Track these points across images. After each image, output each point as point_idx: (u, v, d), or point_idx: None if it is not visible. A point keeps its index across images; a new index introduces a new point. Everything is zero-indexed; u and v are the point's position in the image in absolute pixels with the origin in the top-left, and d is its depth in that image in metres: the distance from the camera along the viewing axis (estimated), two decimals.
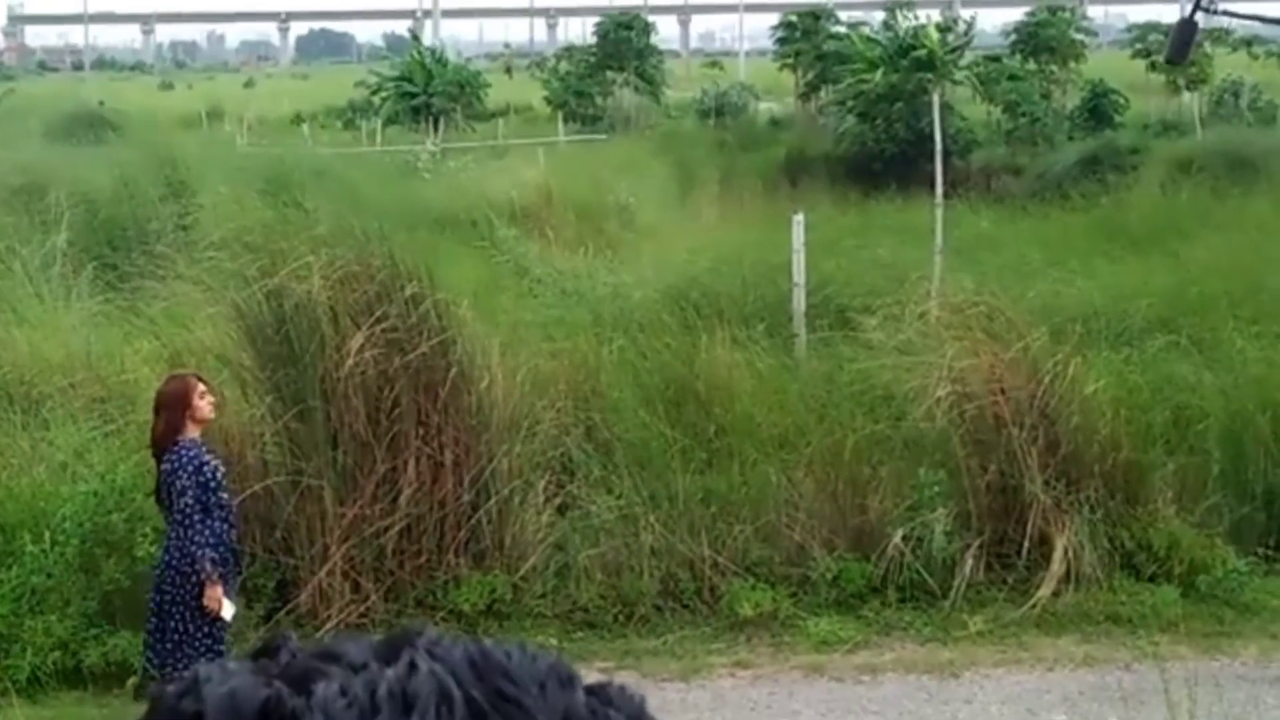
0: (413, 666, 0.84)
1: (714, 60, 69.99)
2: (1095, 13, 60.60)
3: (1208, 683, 9.20)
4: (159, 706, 0.85)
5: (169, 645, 8.42)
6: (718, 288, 14.56)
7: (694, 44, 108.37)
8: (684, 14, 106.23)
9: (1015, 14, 49.91)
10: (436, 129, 40.83)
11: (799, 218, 13.81)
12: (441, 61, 46.63)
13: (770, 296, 14.33)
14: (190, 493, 8.33)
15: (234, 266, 11.04)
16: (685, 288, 14.61)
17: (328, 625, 9.85)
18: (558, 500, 10.68)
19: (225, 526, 8.53)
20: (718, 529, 10.55)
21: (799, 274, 13.43)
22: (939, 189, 18.02)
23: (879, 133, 37.82)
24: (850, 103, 39.46)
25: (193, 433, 8.51)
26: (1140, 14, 67.04)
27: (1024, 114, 39.50)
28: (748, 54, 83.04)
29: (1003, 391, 10.71)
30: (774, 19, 54.63)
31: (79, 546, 9.71)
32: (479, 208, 22.72)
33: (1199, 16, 10.59)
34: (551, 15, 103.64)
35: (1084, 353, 11.21)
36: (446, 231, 19.83)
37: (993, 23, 68.02)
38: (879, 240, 18.34)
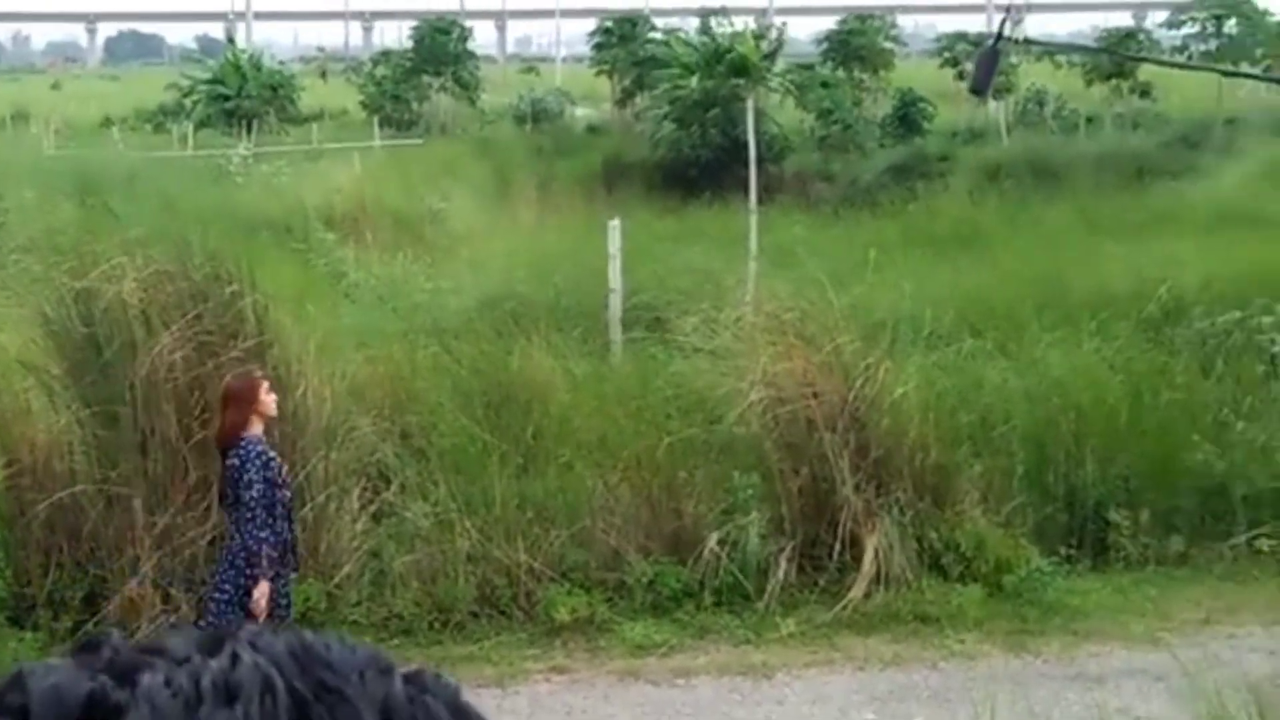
0: (235, 658, 0.84)
1: (531, 65, 70.01)
2: (905, 22, 61.78)
3: (1012, 680, 9.44)
4: None
5: None
6: (534, 293, 14.58)
7: (510, 49, 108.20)
8: (500, 19, 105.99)
9: (827, 22, 50.68)
10: (249, 133, 40.26)
11: (615, 223, 13.87)
12: (255, 64, 46.04)
13: (586, 302, 14.38)
14: (257, 487, 8.38)
15: (40, 270, 10.80)
16: (501, 293, 14.60)
17: (138, 637, 9.65)
18: (373, 507, 10.61)
19: (285, 524, 8.60)
20: (534, 534, 10.56)
21: (615, 279, 13.49)
22: (753, 195, 18.24)
23: (695, 139, 38.11)
24: (666, 108, 39.72)
25: (257, 429, 8.57)
26: (948, 24, 68.51)
27: (836, 121, 40.09)
28: (564, 59, 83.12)
29: (815, 395, 10.86)
30: (591, 25, 54.78)
31: None
32: (293, 212, 22.48)
33: (1002, 45, 10.86)
34: (367, 19, 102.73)
35: (894, 357, 11.39)
36: (260, 236, 19.54)
37: (805, 31, 68.94)
38: (695, 245, 18.48)
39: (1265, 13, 49.33)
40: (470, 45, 52.35)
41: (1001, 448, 11.49)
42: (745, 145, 19.05)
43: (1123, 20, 59.48)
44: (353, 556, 10.26)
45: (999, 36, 10.68)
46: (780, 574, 10.55)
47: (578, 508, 10.75)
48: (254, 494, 8.38)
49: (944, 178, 33.26)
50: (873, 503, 10.70)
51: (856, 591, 10.53)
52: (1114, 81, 45.53)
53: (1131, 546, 11.31)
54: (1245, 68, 45.22)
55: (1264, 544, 11.25)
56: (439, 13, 56.73)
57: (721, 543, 10.54)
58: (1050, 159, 34.17)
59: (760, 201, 18.81)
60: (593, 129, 49.19)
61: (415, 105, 49.40)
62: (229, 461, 8.50)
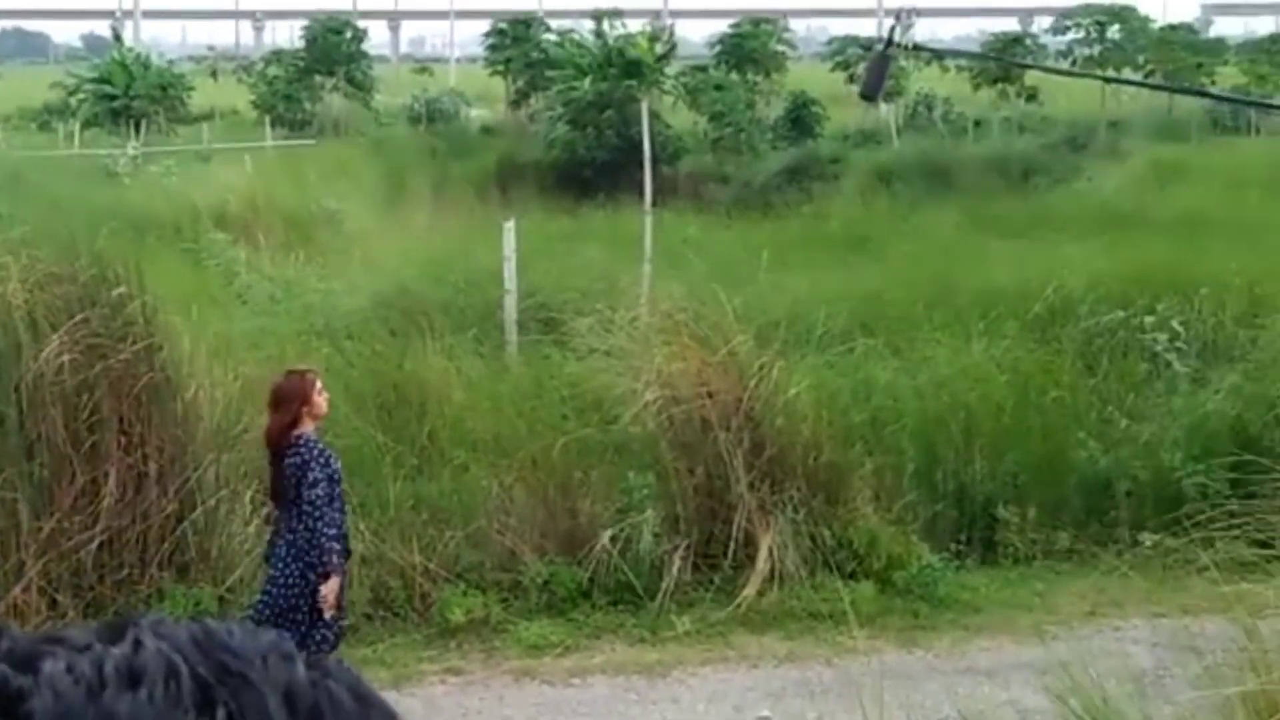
0: (138, 644, 0.85)
1: (425, 66, 69.56)
2: (797, 26, 62.20)
3: (904, 675, 9.56)
4: None
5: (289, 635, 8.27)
6: (429, 294, 14.53)
7: (404, 49, 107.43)
8: (394, 19, 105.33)
9: (720, 25, 50.93)
10: (138, 132, 39.74)
11: (510, 224, 13.87)
12: (143, 63, 45.48)
13: (481, 303, 14.36)
14: (322, 485, 8.49)
15: None
16: (395, 295, 14.54)
17: None
18: (266, 510, 10.53)
19: (343, 519, 8.75)
20: (429, 535, 10.54)
21: (510, 280, 13.49)
22: (648, 196, 18.28)
23: (589, 140, 38.14)
24: (560, 110, 39.71)
25: (309, 427, 8.65)
26: (840, 28, 69.15)
27: (729, 123, 40.29)
28: (458, 60, 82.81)
29: (710, 395, 10.93)
30: (485, 26, 54.63)
31: None
32: (184, 213, 22.25)
33: (892, 50, 10.97)
34: (258, 18, 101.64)
35: (787, 357, 11.49)
36: (149, 237, 19.32)
37: (699, 34, 69.19)
38: (590, 247, 18.52)
39: (1147, 19, 50.37)
40: (364, 45, 52.10)
41: (892, 446, 11.62)
42: (639, 147, 19.11)
43: (1009, 25, 60.24)
44: (245, 560, 10.19)
45: (889, 42, 10.77)
46: (675, 572, 10.60)
47: (473, 509, 10.76)
48: (319, 492, 8.51)
49: (836, 180, 33.54)
50: (767, 501, 10.79)
51: (751, 589, 10.61)
52: (1001, 86, 46.19)
53: (1019, 542, 11.49)
54: (1128, 72, 46.23)
55: (1147, 538, 11.43)
56: (331, 12, 56.30)
57: (615, 541, 10.58)
58: (939, 161, 34.57)
59: (654, 203, 18.85)
60: (487, 130, 49.05)
61: (308, 105, 48.94)
62: (288, 460, 8.58)
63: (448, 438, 11.25)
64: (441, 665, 9.91)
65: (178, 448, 10.15)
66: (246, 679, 0.85)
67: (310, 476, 8.49)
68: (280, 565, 8.69)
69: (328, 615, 8.60)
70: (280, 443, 8.65)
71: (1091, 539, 11.62)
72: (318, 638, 8.55)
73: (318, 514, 8.50)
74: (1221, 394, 12.45)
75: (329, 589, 8.52)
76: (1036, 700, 8.44)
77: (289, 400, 8.69)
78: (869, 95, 13.01)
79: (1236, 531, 9.39)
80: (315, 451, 8.57)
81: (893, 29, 11.69)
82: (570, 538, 10.69)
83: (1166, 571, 11.04)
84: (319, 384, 8.85)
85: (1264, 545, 9.13)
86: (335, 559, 8.53)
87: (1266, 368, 12.77)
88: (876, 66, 11.47)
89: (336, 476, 8.65)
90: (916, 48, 12.73)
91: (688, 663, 9.68)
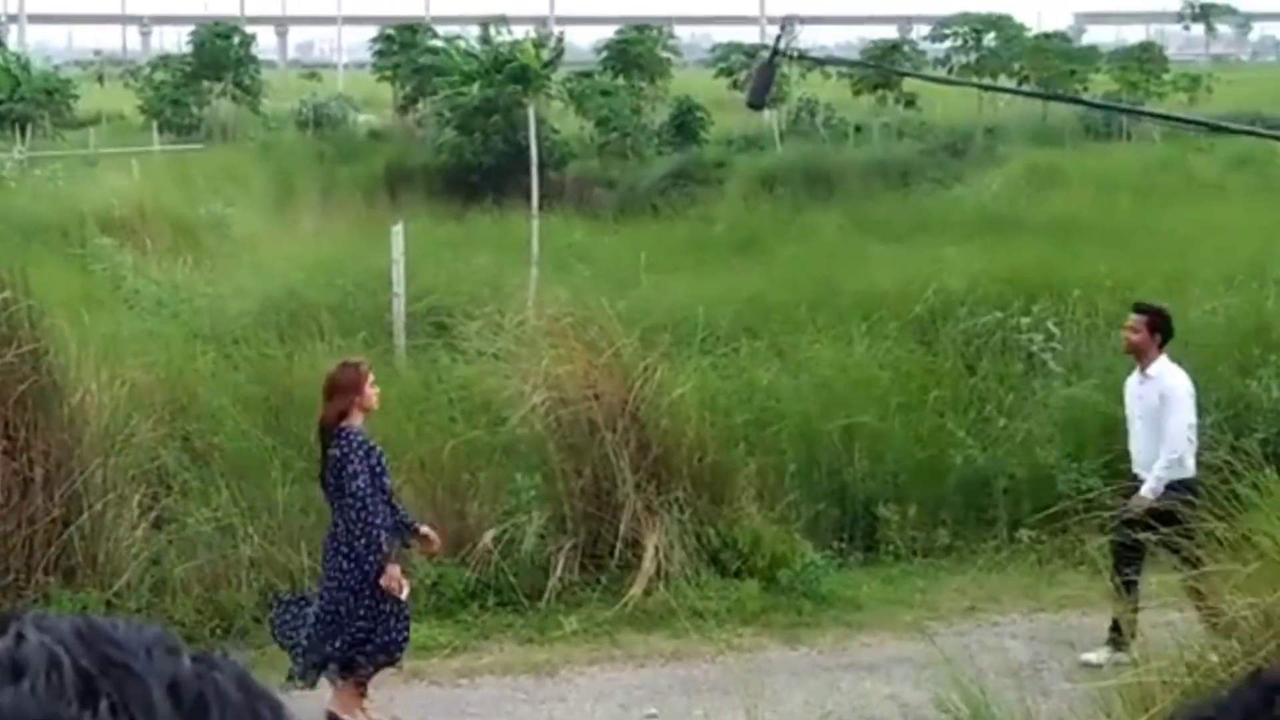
0: (20, 638, 0.85)
1: (313, 71, 69.12)
2: (682, 32, 62.43)
3: (788, 671, 9.72)
4: None
5: (335, 626, 8.72)
6: (316, 298, 14.49)
7: (292, 55, 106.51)
8: (282, 25, 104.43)
9: (606, 32, 51.07)
10: (23, 136, 39.17)
11: (398, 228, 13.88)
12: (27, 67, 44.83)
13: (369, 306, 14.35)
14: (362, 477, 8.59)
15: None
16: (283, 298, 14.49)
17: None
18: (154, 513, 10.52)
19: (388, 509, 8.87)
20: (317, 539, 10.53)
21: (399, 284, 13.50)
22: (535, 201, 18.37)
23: (476, 145, 38.10)
24: (448, 115, 39.64)
25: (358, 420, 8.76)
26: (723, 35, 69.50)
27: (615, 128, 40.44)
28: (346, 66, 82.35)
29: (596, 397, 11.04)
30: (372, 32, 54.42)
31: None
32: (70, 218, 22.02)
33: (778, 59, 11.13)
34: (145, 23, 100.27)
35: (672, 359, 11.61)
36: (34, 242, 19.11)
37: (585, 40, 69.32)
38: (477, 251, 18.53)
39: (1022, 27, 51.29)
40: (251, 51, 51.77)
41: (775, 446, 11.78)
42: (526, 152, 19.19)
43: (889, 33, 60.90)
44: (132, 564, 10.16)
45: (774, 51, 10.92)
46: (562, 573, 10.70)
47: None
48: (360, 484, 8.63)
49: (720, 184, 33.76)
50: (653, 501, 10.90)
51: (637, 589, 10.72)
52: (880, 92, 46.66)
53: (900, 540, 11.67)
54: (1003, 79, 47.09)
55: (1024, 535, 11.66)
56: (219, 18, 55.89)
57: (500, 541, 10.66)
58: (822, 166, 34.93)
59: (541, 207, 18.96)
60: (375, 135, 48.82)
61: (195, 110, 48.51)
62: (331, 452, 8.71)
63: None
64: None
65: (64, 452, 10.11)
66: (130, 670, 0.85)
67: (350, 469, 8.64)
68: (328, 557, 8.88)
69: (403, 596, 8.80)
70: (330, 432, 8.79)
71: (970, 536, 11.84)
72: (387, 620, 8.79)
73: (361, 504, 8.65)
74: (1094, 392, 12.72)
75: (389, 577, 8.69)
76: (917, 695, 8.63)
77: (344, 390, 8.82)
78: (756, 104, 13.16)
79: (1109, 527, 9.68)
80: (356, 443, 8.69)
81: (778, 38, 11.87)
82: (458, 539, 10.75)
83: (1043, 566, 11.31)
84: (370, 376, 8.98)
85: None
86: (386, 547, 8.70)
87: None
88: (762, 75, 11.61)
89: (379, 468, 8.79)
90: (801, 56, 12.92)
91: (575, 662, 9.77)
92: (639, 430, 11.05)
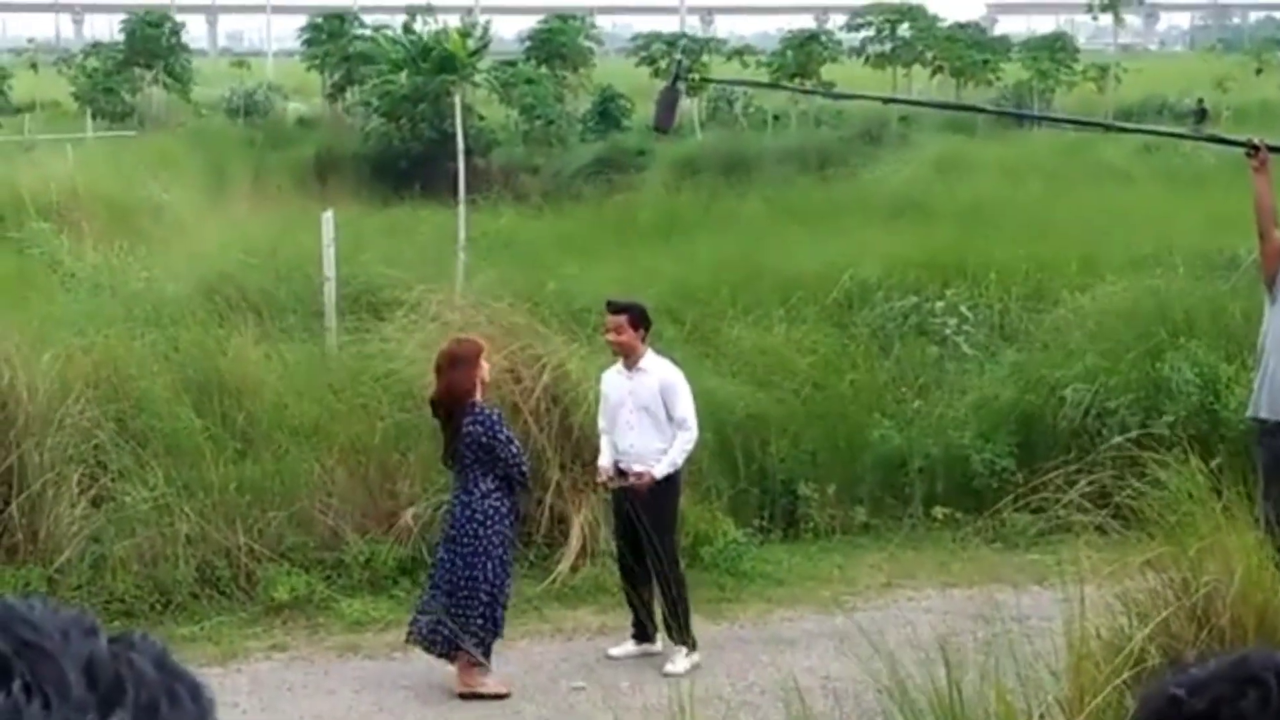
0: None
1: (242, 60, 68.53)
2: (603, 22, 62.40)
3: (711, 645, 9.94)
4: None
5: (473, 599, 9.05)
6: (249, 282, 14.59)
7: (222, 43, 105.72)
8: (211, 13, 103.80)
9: (530, 21, 51.12)
10: None
11: (328, 214, 13.98)
12: None
13: (300, 292, 14.44)
14: (515, 444, 8.99)
15: None
16: (217, 282, 14.56)
17: None
18: (92, 492, 10.67)
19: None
20: (253, 516, 10.73)
21: (330, 269, 13.62)
22: (461, 188, 18.49)
23: (404, 133, 38.18)
24: (376, 103, 39.66)
25: (479, 394, 8.97)
26: (644, 24, 69.71)
27: (539, 116, 40.60)
28: (275, 54, 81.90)
29: (518, 381, 11.27)
30: (301, 21, 54.27)
31: None
32: (5, 202, 22.04)
33: (681, 85, 11.33)
34: (77, 12, 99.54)
35: (594, 343, 11.83)
36: None
37: (510, 29, 69.20)
38: (406, 237, 18.65)
39: (935, 17, 51.93)
40: (182, 39, 51.83)
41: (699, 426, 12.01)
42: (453, 139, 19.33)
43: (806, 23, 61.14)
44: (72, 541, 10.31)
45: (676, 76, 11.16)
46: None
47: (295, 490, 10.93)
48: (514, 450, 9.00)
49: (642, 171, 33.99)
50: (579, 481, 11.12)
51: (564, 565, 10.94)
52: (798, 81, 47.01)
53: (819, 518, 11.92)
54: (917, 69, 47.89)
55: (939, 512, 11.93)
56: (149, 6, 55.72)
57: (421, 519, 10.88)
58: (741, 153, 35.17)
59: (468, 194, 19.07)
60: (304, 122, 48.83)
61: (127, 97, 48.58)
62: (468, 429, 8.90)
63: (270, 422, 11.42)
64: (267, 642, 10.10)
65: (0, 432, 10.27)
66: (44, 651, 0.85)
67: (501, 437, 8.97)
68: (455, 528, 9.13)
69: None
70: (452, 405, 9.00)
71: (887, 514, 12.08)
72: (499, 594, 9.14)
73: (520, 473, 9.11)
74: (1006, 374, 13.05)
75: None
76: (837, 667, 8.87)
77: (466, 364, 9.01)
78: (661, 128, 13.27)
79: (1021, 505, 9.97)
80: (496, 417, 9.06)
81: (679, 63, 12.09)
82: (391, 517, 10.98)
83: (957, 544, 11.57)
84: (487, 349, 9.24)
85: (1045, 516, 9.66)
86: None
87: (1047, 349, 13.40)
88: (666, 100, 11.81)
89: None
90: (704, 80, 13.22)
91: (505, 636, 10.00)
92: (562, 413, 11.30)
